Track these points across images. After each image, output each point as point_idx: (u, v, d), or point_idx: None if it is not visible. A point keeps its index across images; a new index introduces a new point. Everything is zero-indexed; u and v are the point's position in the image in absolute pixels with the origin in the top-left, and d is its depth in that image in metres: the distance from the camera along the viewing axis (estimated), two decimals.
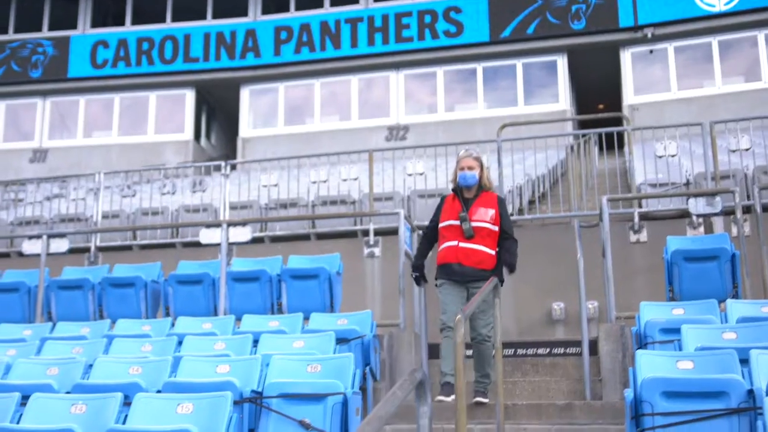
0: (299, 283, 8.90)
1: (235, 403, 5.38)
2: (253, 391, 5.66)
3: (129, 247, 13.19)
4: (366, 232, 11.82)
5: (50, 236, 10.14)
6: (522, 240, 10.80)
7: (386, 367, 7.78)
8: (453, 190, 7.44)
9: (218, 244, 9.34)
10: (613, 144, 12.81)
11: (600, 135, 13.60)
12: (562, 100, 22.10)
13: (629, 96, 21.61)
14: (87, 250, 12.64)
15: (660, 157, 12.25)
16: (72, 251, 10.82)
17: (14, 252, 13.37)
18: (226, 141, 26.04)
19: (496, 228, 7.18)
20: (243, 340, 7.17)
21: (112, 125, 24.84)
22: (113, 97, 24.92)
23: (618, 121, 15.52)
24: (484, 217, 7.16)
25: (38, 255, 9.92)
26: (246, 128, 24.10)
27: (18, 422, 5.40)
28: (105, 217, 13.92)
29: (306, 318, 8.20)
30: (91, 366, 6.66)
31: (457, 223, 7.17)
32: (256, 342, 7.19)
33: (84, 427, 4.89)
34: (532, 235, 11.02)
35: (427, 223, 7.78)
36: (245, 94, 24.28)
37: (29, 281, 9.77)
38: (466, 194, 7.31)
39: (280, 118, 23.92)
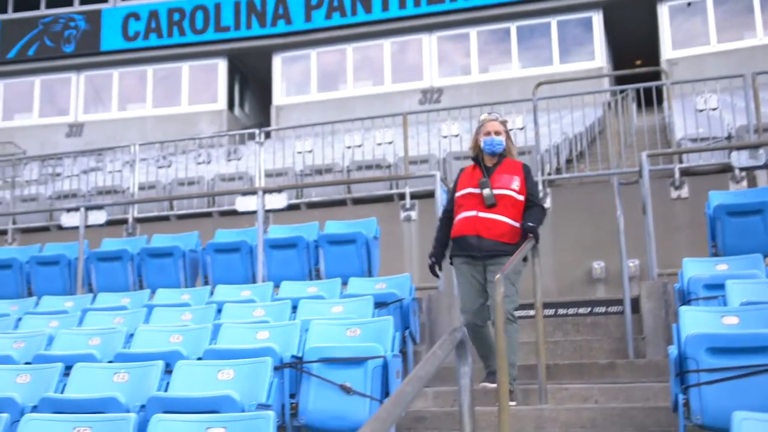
0: (336, 248, 8.87)
1: (276, 368, 5.37)
2: (293, 357, 5.65)
3: (166, 218, 13.23)
4: (402, 196, 11.75)
5: (88, 208, 10.18)
6: (560, 199, 10.79)
7: (425, 329, 7.74)
8: (473, 158, 6.64)
9: (255, 212, 9.33)
10: (651, 100, 12.56)
11: (638, 91, 13.34)
12: (598, 57, 21.75)
13: (667, 51, 21.19)
14: (125, 221, 12.71)
15: (700, 111, 12.01)
16: (110, 223, 10.88)
17: (53, 225, 13.48)
18: (259, 109, 26.01)
19: (521, 197, 6.37)
20: (282, 307, 7.16)
21: (146, 97, 24.90)
22: (146, 69, 24.95)
23: (656, 76, 15.24)
24: (508, 184, 6.35)
25: (77, 227, 9.98)
26: (279, 96, 24.03)
27: (62, 392, 5.45)
28: (141, 188, 13.98)
29: (344, 283, 8.18)
30: (132, 335, 6.70)
31: (477, 190, 6.37)
32: (294, 308, 7.18)
33: (127, 396, 4.92)
34: (571, 194, 10.89)
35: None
36: (277, 61, 24.18)
37: (69, 254, 9.85)
38: (488, 162, 6.50)
39: (312, 84, 23.81)
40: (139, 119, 24.41)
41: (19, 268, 9.81)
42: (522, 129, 11.98)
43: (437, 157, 12.79)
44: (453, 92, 21.83)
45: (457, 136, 12.57)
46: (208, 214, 13.02)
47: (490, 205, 6.28)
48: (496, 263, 6.17)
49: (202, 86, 24.63)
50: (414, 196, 11.51)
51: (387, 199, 12.26)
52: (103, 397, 4.79)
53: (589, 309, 8.48)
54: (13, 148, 22.66)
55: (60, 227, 11.65)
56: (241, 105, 25.74)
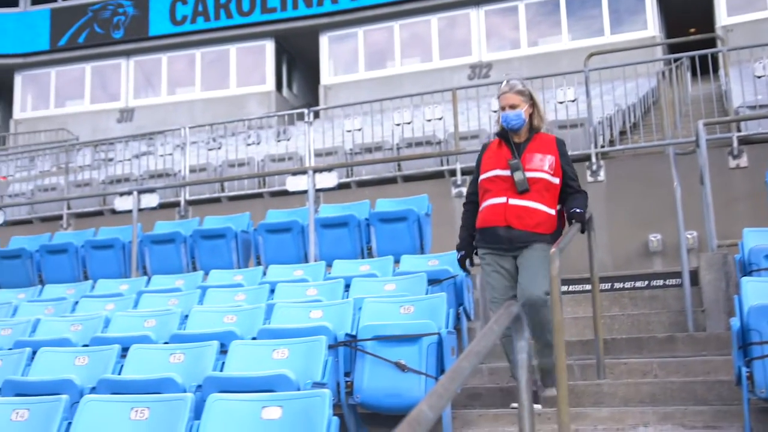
0: (388, 226, 8.82)
1: (330, 347, 5.35)
2: (347, 335, 5.62)
3: (217, 199, 13.30)
4: (453, 172, 11.64)
5: (141, 192, 10.26)
6: (615, 171, 10.61)
7: (479, 306, 7.66)
8: (497, 134, 5.86)
9: (305, 191, 9.33)
10: (706, 68, 12.32)
11: (693, 59, 13.05)
12: (650, 26, 21.33)
13: (722, 17, 20.69)
14: (177, 204, 12.80)
15: (759, 77, 11.69)
16: (162, 206, 10.98)
17: (107, 210, 13.62)
18: (307, 90, 26.02)
19: (556, 180, 5.58)
20: (334, 286, 7.14)
21: (195, 81, 25.05)
22: (194, 53, 25.08)
23: (711, 43, 14.93)
24: (541, 165, 5.54)
25: (130, 211, 10.07)
26: (327, 76, 23.99)
27: (119, 373, 5.49)
28: (192, 170, 14.06)
29: (396, 261, 8.14)
30: (186, 317, 6.73)
31: (506, 173, 5.54)
32: (347, 287, 7.16)
33: (183, 376, 4.92)
34: (625, 165, 10.71)
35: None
36: (324, 41, 24.14)
37: (123, 237, 9.94)
38: (515, 138, 5.69)
39: (360, 63, 23.73)
40: (188, 103, 24.57)
41: (75, 252, 9.93)
42: (574, 101, 11.79)
43: (487, 132, 12.66)
44: (502, 66, 21.59)
45: None
46: (259, 195, 13.06)
47: (523, 191, 5.48)
48: (529, 249, 5.48)
49: (250, 68, 24.70)
50: (465, 172, 11.40)
51: (438, 175, 12.17)
52: (160, 378, 4.80)
53: (646, 282, 8.32)
54: (66, 134, 22.96)
55: (113, 211, 11.76)
56: (289, 85, 25.76)
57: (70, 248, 9.93)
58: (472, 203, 5.86)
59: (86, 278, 9.70)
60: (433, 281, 7.10)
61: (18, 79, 26.44)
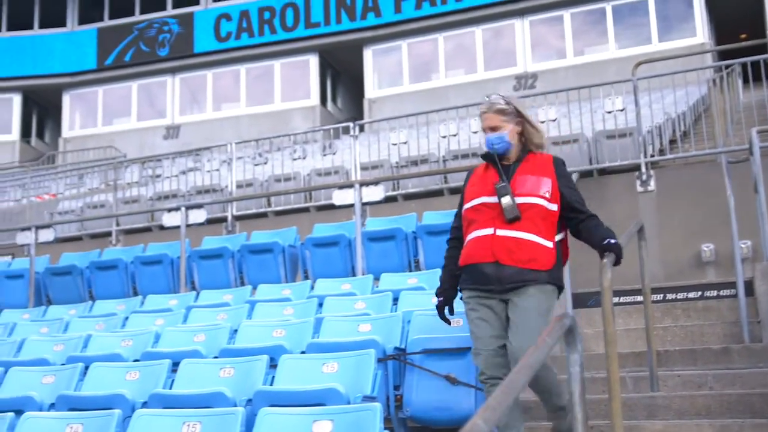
0: (436, 238, 8.76)
1: (379, 360, 5.32)
2: (396, 348, 5.59)
3: (264, 214, 13.34)
4: None
5: (188, 208, 10.32)
6: (665, 181, 10.45)
7: None
8: (483, 156, 4.93)
9: (352, 205, 9.31)
10: (759, 74, 12.08)
11: (744, 65, 12.84)
12: (699, 33, 21.09)
13: None
14: (224, 219, 12.85)
15: None
16: (210, 222, 11.02)
17: (155, 226, 13.73)
18: (352, 103, 26.11)
19: (554, 207, 4.71)
20: (383, 299, 7.11)
21: (240, 96, 25.25)
22: (239, 69, 25.30)
23: (763, 49, 14.65)
24: (534, 189, 4.68)
25: (178, 227, 10.13)
26: (371, 89, 24.05)
27: (170, 387, 5.50)
28: (239, 186, 14.12)
29: None
30: (235, 331, 6.74)
31: (494, 199, 4.67)
32: (395, 300, 7.12)
33: (233, 390, 4.93)
34: (676, 175, 10.55)
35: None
36: (368, 54, 24.22)
37: (171, 253, 10.01)
38: (504, 161, 4.82)
39: (405, 76, 23.76)
40: (233, 118, 24.77)
41: (124, 268, 10.02)
42: (622, 110, 11.66)
43: None
44: (548, 76, 21.49)
45: (554, 120, 12.31)
46: (306, 210, 13.08)
47: (512, 219, 4.61)
48: (522, 294, 4.59)
49: (295, 83, 24.85)
50: None
51: None
52: (211, 392, 4.81)
53: (699, 293, 8.18)
54: (114, 152, 23.26)
55: (161, 227, 11.86)
56: (334, 100, 25.87)
57: (119, 264, 10.02)
58: (455, 239, 4.99)
59: (135, 294, 9.78)
60: None
61: (66, 99, 26.87)
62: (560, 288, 4.76)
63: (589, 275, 8.52)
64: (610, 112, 11.76)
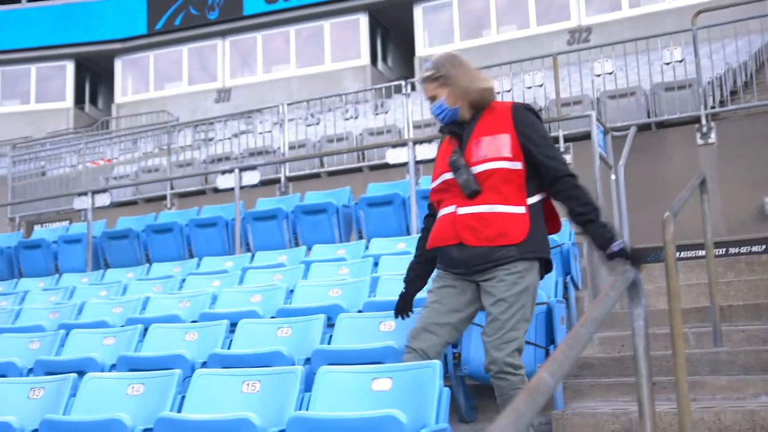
0: None
1: None
2: None
3: (317, 175, 13.33)
4: (556, 140, 11.39)
5: (242, 170, 10.32)
6: (726, 132, 10.21)
7: (587, 275, 7.48)
8: (440, 129, 4.50)
9: (405, 164, 9.24)
10: None
11: None
12: None
13: None
14: (277, 181, 12.88)
15: None
16: (263, 183, 11.04)
17: (209, 189, 13.81)
18: (402, 62, 25.92)
19: (519, 165, 4.07)
20: None
21: (290, 58, 25.20)
22: (289, 30, 25.23)
23: None
24: (490, 151, 4.08)
25: (232, 189, 10.15)
26: (422, 47, 23.83)
27: (229, 347, 5.52)
28: (291, 147, 14.12)
29: None
30: (291, 291, 6.74)
31: (452, 176, 4.18)
32: None
33: (291, 349, 4.94)
34: (738, 126, 10.31)
35: None
36: (418, 12, 23.98)
37: (226, 215, 10.04)
38: (461, 127, 4.28)
39: (455, 32, 23.49)
40: (284, 80, 24.75)
41: (180, 231, 10.08)
42: (681, 62, 11.40)
43: (590, 97, 12.36)
44: (602, 30, 21.08)
45: (611, 73, 12.07)
46: (359, 169, 13.04)
47: (472, 193, 4.07)
48: (491, 279, 4.09)
49: (345, 43, 24.72)
50: (567, 138, 11.13)
51: None
52: (269, 352, 4.82)
53: (763, 246, 8.00)
54: (167, 116, 23.42)
55: (216, 190, 11.91)
56: (384, 59, 25.70)
57: (174, 227, 10.09)
58: (430, 217, 4.49)
59: (191, 256, 9.84)
60: None
61: (118, 64, 27.08)
62: (542, 260, 4.18)
63: (647, 230, 8.40)
64: (668, 64, 11.51)
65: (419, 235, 4.58)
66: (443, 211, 4.20)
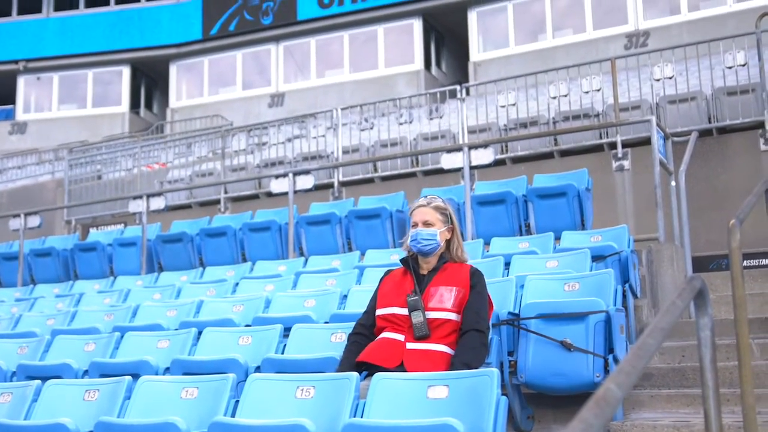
0: (547, 202, 8.58)
1: (493, 326, 5.17)
2: (509, 313, 5.44)
3: (371, 180, 13.31)
4: (613, 145, 11.20)
5: (295, 174, 10.32)
6: None
7: (646, 283, 7.33)
8: (402, 260, 4.84)
9: (460, 169, 9.16)
10: None
11: None
12: None
13: None
14: (330, 185, 12.87)
15: None
16: (316, 188, 11.03)
17: (263, 193, 13.85)
18: (456, 67, 25.77)
19: (459, 318, 4.53)
20: (494, 263, 6.95)
21: (344, 63, 25.20)
22: (342, 35, 25.22)
23: None
24: (444, 303, 4.52)
25: (286, 193, 10.16)
26: (476, 52, 23.66)
27: (282, 352, 5.49)
28: (345, 152, 14.12)
29: (556, 237, 7.89)
30: (345, 296, 6.71)
31: (405, 312, 4.52)
32: (507, 264, 6.96)
33: None
34: None
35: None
36: (473, 16, 23.82)
37: (279, 219, 10.05)
38: (423, 267, 4.71)
39: (510, 37, 23.28)
40: (337, 85, 24.75)
41: (233, 235, 10.11)
42: (744, 65, 11.17)
43: (649, 102, 12.16)
44: (661, 34, 20.72)
45: (671, 77, 11.86)
46: (412, 174, 12.99)
47: (421, 336, 4.45)
48: None
49: (398, 48, 24.64)
50: (626, 144, 10.95)
51: (596, 149, 11.79)
52: (324, 357, 4.77)
53: None
54: (221, 120, 23.56)
55: (269, 194, 11.93)
56: (438, 63, 25.57)
57: (228, 231, 10.12)
58: (359, 335, 4.69)
59: (244, 260, 9.87)
60: (597, 258, 6.83)
61: (173, 69, 27.31)
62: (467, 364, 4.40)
63: (710, 237, 8.22)
64: (730, 68, 11.29)
65: (359, 335, 4.72)
66: (388, 336, 4.53)
